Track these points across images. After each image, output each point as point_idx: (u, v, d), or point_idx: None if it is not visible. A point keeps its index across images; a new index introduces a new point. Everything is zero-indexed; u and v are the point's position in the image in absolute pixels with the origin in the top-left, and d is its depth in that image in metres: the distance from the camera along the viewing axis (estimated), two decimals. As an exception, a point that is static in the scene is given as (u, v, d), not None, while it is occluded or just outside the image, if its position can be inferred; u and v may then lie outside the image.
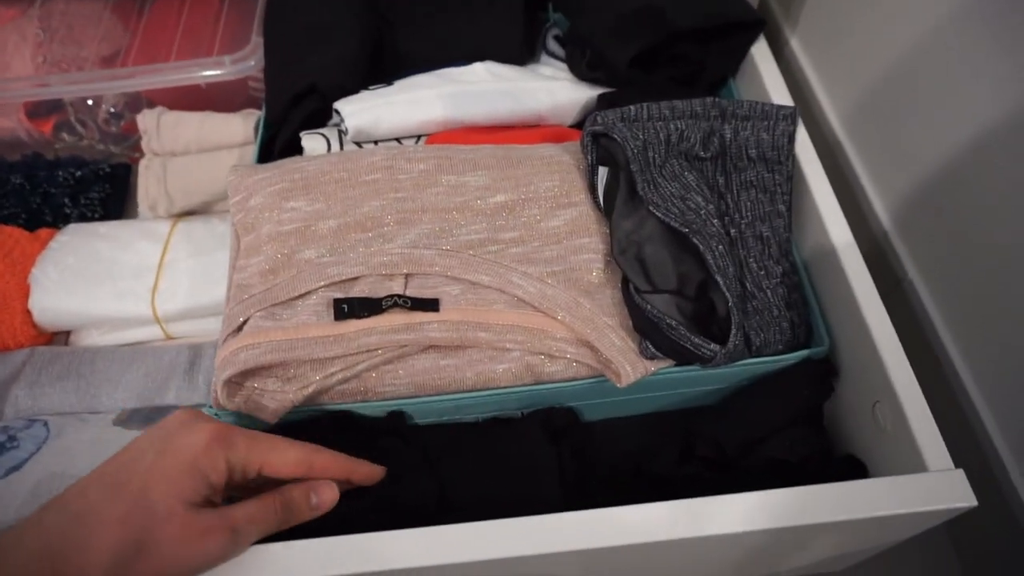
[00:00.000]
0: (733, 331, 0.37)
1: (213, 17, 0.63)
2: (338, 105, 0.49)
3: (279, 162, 0.46)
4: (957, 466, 0.33)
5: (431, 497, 0.38)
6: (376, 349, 0.38)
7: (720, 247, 0.39)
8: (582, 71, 0.52)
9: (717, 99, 0.44)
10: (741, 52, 0.53)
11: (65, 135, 0.64)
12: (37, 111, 0.63)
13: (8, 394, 0.48)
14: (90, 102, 0.62)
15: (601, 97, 0.51)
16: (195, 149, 0.58)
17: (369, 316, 0.39)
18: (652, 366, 0.38)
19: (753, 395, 0.41)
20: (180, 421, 0.32)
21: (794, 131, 0.44)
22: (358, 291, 0.40)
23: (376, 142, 0.50)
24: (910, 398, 0.35)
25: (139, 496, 0.29)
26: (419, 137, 0.51)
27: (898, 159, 0.49)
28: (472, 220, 0.42)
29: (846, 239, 0.41)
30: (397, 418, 0.40)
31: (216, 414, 0.38)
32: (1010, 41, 0.38)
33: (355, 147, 0.49)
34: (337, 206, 0.42)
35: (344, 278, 0.40)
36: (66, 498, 0.29)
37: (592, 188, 0.44)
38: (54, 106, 0.63)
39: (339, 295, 0.40)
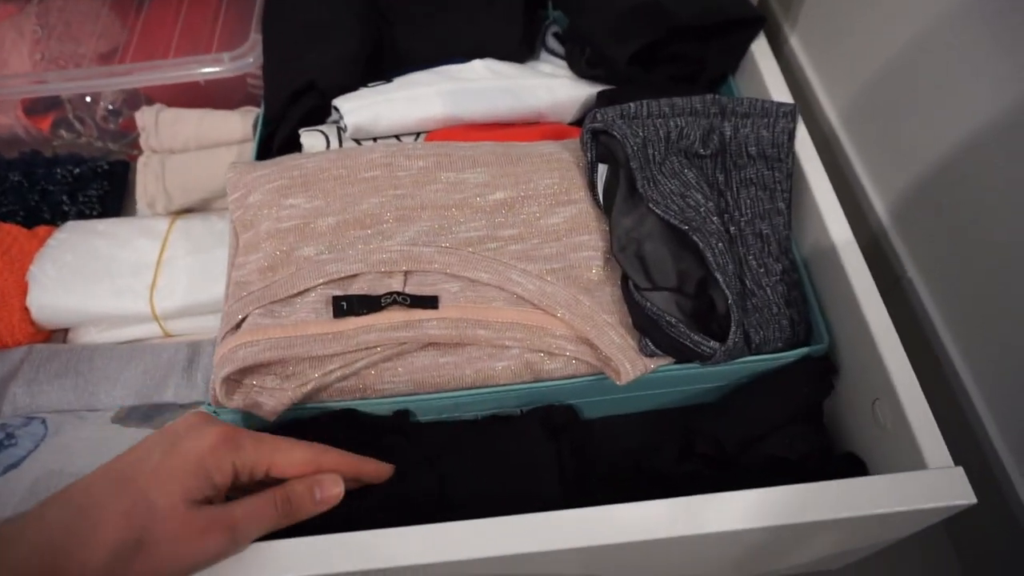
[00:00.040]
0: (733, 328, 0.37)
1: (212, 14, 0.63)
2: (337, 102, 0.49)
3: (278, 159, 0.46)
4: (956, 464, 0.33)
5: (434, 495, 0.38)
6: (375, 346, 0.38)
7: (720, 244, 0.39)
8: (582, 68, 0.52)
9: (717, 96, 0.44)
10: (741, 49, 0.53)
11: (63, 132, 0.63)
12: (35, 108, 0.63)
13: (6, 392, 0.47)
14: (88, 99, 0.62)
15: (601, 94, 0.51)
16: (194, 146, 0.58)
17: (368, 313, 0.39)
18: (652, 364, 0.38)
19: (753, 393, 0.41)
20: (189, 424, 0.32)
21: (794, 128, 0.44)
22: (357, 288, 0.40)
23: (375, 139, 0.50)
24: (910, 396, 0.35)
25: (142, 493, 0.29)
26: (418, 134, 0.50)
27: (897, 157, 0.49)
28: (471, 217, 0.42)
29: (846, 237, 0.41)
30: (401, 416, 0.40)
31: (215, 411, 0.38)
32: (1010, 40, 0.38)
33: (354, 144, 0.49)
34: (336, 203, 0.42)
35: (343, 275, 0.40)
36: (70, 493, 0.29)
37: (592, 185, 0.44)
38: (52, 103, 0.63)
39: (338, 292, 0.39)
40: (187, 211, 0.58)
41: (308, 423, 0.39)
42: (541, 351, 0.39)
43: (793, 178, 0.44)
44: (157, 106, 0.59)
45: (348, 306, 0.39)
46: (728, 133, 0.44)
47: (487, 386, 0.39)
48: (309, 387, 0.38)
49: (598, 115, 0.43)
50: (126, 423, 0.46)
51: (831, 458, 0.41)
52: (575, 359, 0.39)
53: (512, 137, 0.49)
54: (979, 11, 0.40)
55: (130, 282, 0.51)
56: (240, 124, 0.58)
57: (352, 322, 0.38)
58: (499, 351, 0.39)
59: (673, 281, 0.40)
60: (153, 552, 0.28)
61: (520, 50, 0.55)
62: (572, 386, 0.40)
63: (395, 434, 0.40)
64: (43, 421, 0.46)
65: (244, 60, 0.57)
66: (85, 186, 0.59)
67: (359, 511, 0.36)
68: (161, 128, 0.58)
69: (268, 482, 0.33)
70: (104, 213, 0.59)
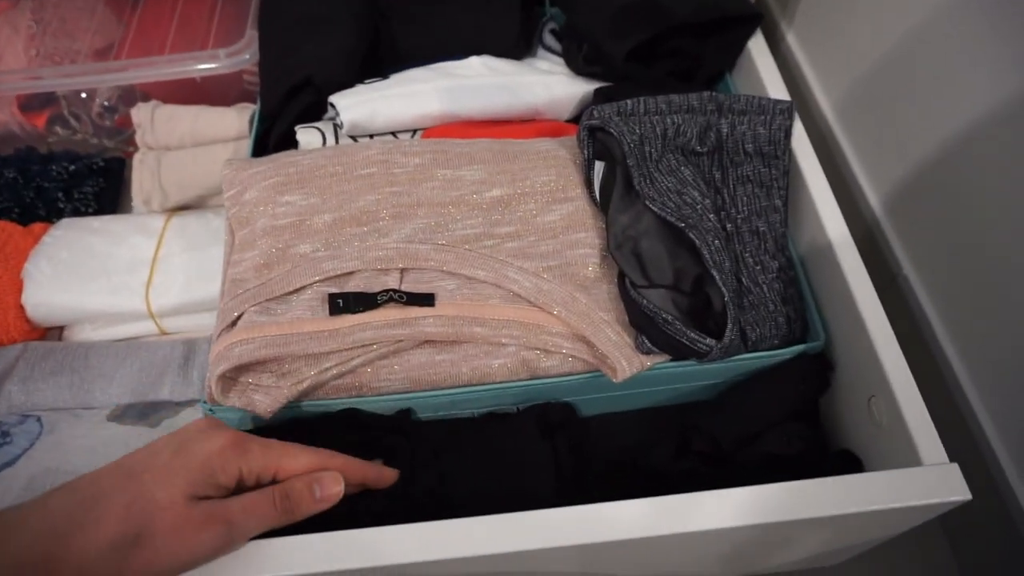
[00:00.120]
0: (729, 326, 0.37)
1: (208, 10, 0.63)
2: (333, 99, 0.49)
3: (274, 156, 0.45)
4: (952, 460, 0.33)
5: (433, 493, 0.38)
6: (371, 344, 0.38)
7: (716, 242, 0.39)
8: (579, 65, 0.52)
9: (714, 93, 0.44)
10: (738, 47, 0.53)
11: (58, 129, 0.63)
12: (30, 104, 0.63)
13: (1, 390, 0.47)
14: (83, 95, 0.62)
15: (598, 91, 0.51)
16: (189, 143, 0.58)
17: (364, 311, 0.39)
18: (648, 361, 0.38)
19: (749, 390, 0.41)
20: (199, 427, 0.32)
21: (791, 126, 0.44)
22: (353, 286, 0.40)
23: (372, 136, 0.50)
24: (905, 393, 0.35)
25: (145, 487, 0.29)
26: (415, 131, 0.50)
27: (894, 154, 0.49)
28: (468, 214, 0.42)
29: (842, 234, 0.41)
30: (402, 416, 0.40)
31: (210, 410, 0.38)
32: (1008, 32, 0.38)
33: (350, 141, 0.49)
34: (332, 200, 0.42)
35: (339, 273, 0.40)
36: (76, 483, 0.30)
37: (588, 183, 0.43)
38: (47, 99, 0.63)
39: (334, 290, 0.39)
40: (183, 208, 0.58)
41: (308, 423, 0.39)
42: (537, 349, 0.39)
43: (789, 175, 0.44)
44: (153, 103, 0.58)
45: (344, 303, 0.39)
46: (725, 130, 0.44)
47: (484, 384, 0.39)
48: (305, 385, 0.38)
49: (595, 112, 0.43)
50: (122, 421, 0.46)
51: (827, 455, 0.41)
52: (571, 357, 0.39)
53: (509, 134, 0.49)
54: (977, 3, 0.40)
55: (126, 279, 0.51)
56: (236, 121, 0.57)
57: (348, 319, 0.38)
58: (495, 349, 0.39)
59: (669, 278, 0.40)
60: (151, 545, 0.28)
61: (517, 47, 0.55)
62: (569, 383, 0.40)
63: (395, 434, 0.40)
64: (38, 419, 0.46)
65: (240, 56, 0.56)
66: (81, 183, 0.59)
67: (359, 509, 0.36)
68: (157, 125, 0.57)
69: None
70: (100, 210, 0.59)
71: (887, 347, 0.36)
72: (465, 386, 0.39)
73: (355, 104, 0.48)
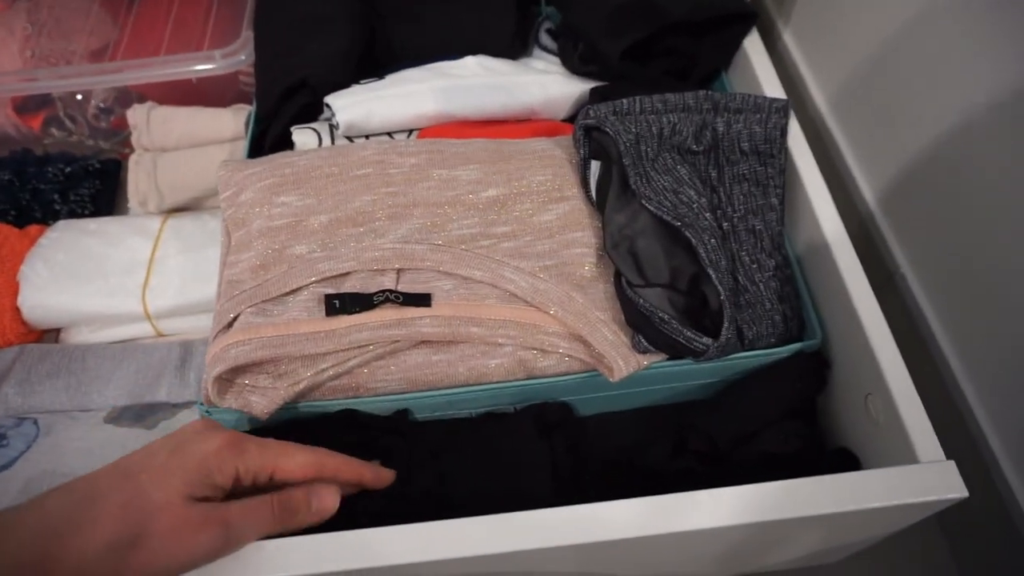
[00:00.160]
0: (725, 324, 0.37)
1: (203, 11, 0.63)
2: (329, 99, 0.49)
3: (270, 157, 0.45)
4: (949, 458, 0.33)
5: (432, 493, 0.38)
6: (367, 345, 0.38)
7: (712, 241, 0.39)
8: (575, 64, 0.52)
9: (710, 92, 0.44)
10: (733, 45, 0.53)
11: (54, 130, 0.63)
12: (26, 106, 0.63)
13: (-2, 392, 0.47)
14: (79, 97, 0.62)
15: (594, 91, 0.51)
16: (185, 144, 0.58)
17: (360, 312, 0.39)
18: (644, 360, 0.38)
19: (746, 388, 0.41)
20: (196, 428, 0.32)
21: (787, 124, 0.44)
22: (349, 286, 0.40)
23: (368, 136, 0.50)
24: (902, 391, 0.35)
25: (142, 487, 0.29)
26: (411, 131, 0.50)
27: (890, 152, 0.49)
28: (464, 215, 0.42)
29: (838, 232, 0.41)
30: (400, 416, 0.40)
31: (207, 411, 0.38)
32: (1003, 28, 0.38)
33: (346, 142, 0.49)
34: (328, 201, 0.42)
35: (335, 273, 0.40)
36: (74, 484, 0.30)
37: (584, 182, 0.43)
38: (43, 101, 0.63)
39: (330, 291, 0.39)
40: (179, 210, 0.58)
41: (305, 424, 0.39)
42: (534, 348, 0.39)
43: (785, 173, 0.44)
44: (148, 104, 0.58)
45: (340, 304, 0.38)
46: (721, 129, 0.44)
47: (480, 384, 0.39)
48: (301, 386, 0.38)
49: (591, 111, 0.43)
50: (118, 423, 0.46)
51: (824, 453, 0.41)
52: (568, 356, 0.39)
53: (505, 134, 0.49)
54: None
55: (122, 281, 0.51)
56: (232, 122, 0.57)
57: (344, 320, 0.38)
58: (492, 349, 0.39)
59: (666, 277, 0.40)
60: (148, 545, 0.28)
61: (513, 46, 0.55)
62: (565, 383, 0.40)
63: (393, 434, 0.40)
64: (35, 422, 0.46)
65: (236, 57, 0.56)
66: (76, 185, 0.59)
67: (357, 510, 0.36)
68: (153, 126, 0.57)
69: (271, 489, 0.33)
70: (96, 212, 0.59)
71: (883, 345, 0.36)
72: (462, 386, 0.39)
73: (351, 105, 0.48)
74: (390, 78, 0.50)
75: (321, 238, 0.41)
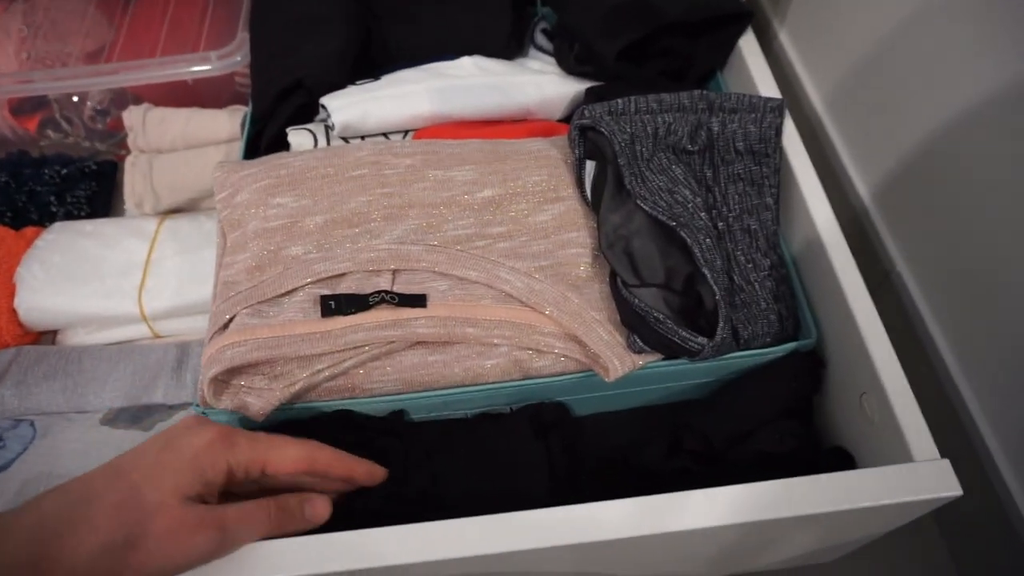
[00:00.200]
0: (720, 324, 0.37)
1: (199, 12, 0.63)
2: (324, 100, 0.49)
3: (265, 158, 0.45)
4: (946, 456, 0.33)
5: (427, 494, 0.38)
6: (363, 346, 0.38)
7: (707, 240, 0.39)
8: (570, 65, 0.52)
9: (705, 92, 0.44)
10: (729, 45, 0.53)
11: (50, 132, 0.63)
12: (22, 108, 0.63)
13: (-6, 394, 0.47)
14: (75, 99, 0.62)
15: (589, 91, 0.51)
16: (181, 146, 0.58)
17: (356, 312, 0.39)
18: (640, 360, 0.38)
19: (741, 388, 0.41)
20: (186, 424, 0.32)
21: (781, 123, 0.44)
22: (345, 287, 0.40)
23: (363, 137, 0.50)
24: (896, 389, 0.35)
25: (135, 487, 0.29)
26: (407, 132, 0.50)
27: (886, 150, 0.49)
28: (459, 215, 0.42)
29: (833, 231, 0.41)
30: (395, 417, 0.40)
31: (203, 412, 0.38)
32: (1002, 25, 0.38)
33: (342, 142, 0.49)
34: (323, 202, 0.42)
35: (331, 274, 0.40)
36: (69, 485, 0.30)
37: (580, 182, 0.43)
38: (39, 103, 0.63)
39: (326, 292, 0.39)
40: (175, 211, 0.58)
41: (301, 425, 0.39)
42: (530, 349, 0.39)
43: (780, 173, 0.44)
44: (144, 105, 0.58)
45: (336, 305, 0.38)
46: (716, 129, 0.44)
47: (476, 384, 0.39)
48: (297, 387, 0.38)
49: (586, 111, 0.43)
50: (115, 425, 0.46)
51: (820, 452, 0.41)
52: (564, 356, 0.39)
53: (500, 134, 0.49)
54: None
55: (118, 283, 0.51)
56: (228, 123, 0.57)
57: (340, 321, 0.38)
58: (488, 349, 0.39)
59: (661, 277, 0.40)
60: (143, 546, 0.28)
61: (509, 46, 0.55)
62: (561, 383, 0.40)
63: (388, 435, 0.40)
64: (31, 423, 0.46)
65: (232, 59, 0.56)
66: (73, 186, 0.59)
67: (355, 508, 0.36)
68: (148, 127, 0.57)
69: (264, 483, 0.33)
70: (92, 214, 0.59)
71: (878, 344, 0.36)
72: (458, 387, 0.39)
73: (346, 105, 0.48)
74: (386, 79, 0.50)
75: (317, 239, 0.41)
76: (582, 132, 0.43)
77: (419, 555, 0.30)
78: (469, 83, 0.50)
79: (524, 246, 0.41)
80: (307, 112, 0.51)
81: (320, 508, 0.34)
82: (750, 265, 0.42)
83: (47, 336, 0.54)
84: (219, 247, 0.43)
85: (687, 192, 0.41)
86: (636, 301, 0.38)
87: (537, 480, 0.39)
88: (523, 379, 0.39)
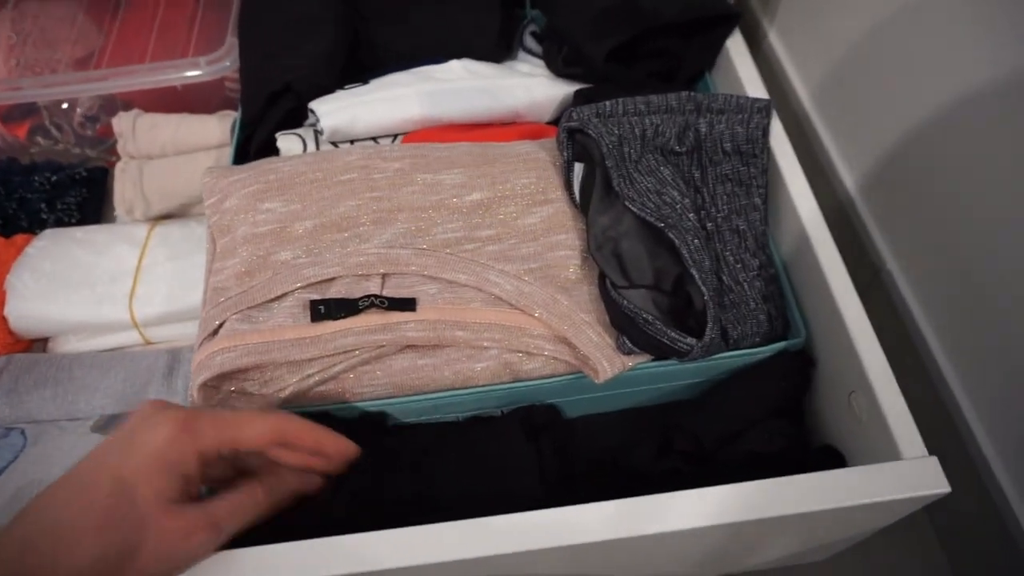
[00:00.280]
0: (709, 324, 0.37)
1: (188, 18, 0.63)
2: (313, 105, 0.49)
3: (254, 163, 0.45)
4: (939, 454, 0.33)
5: (420, 497, 0.38)
6: (353, 350, 0.38)
7: (696, 241, 0.39)
8: (558, 67, 0.52)
9: (692, 93, 0.44)
10: (717, 46, 0.53)
11: (40, 139, 0.63)
12: (11, 115, 0.63)
13: (-15, 402, 0.47)
14: (65, 105, 0.62)
15: (578, 93, 0.51)
16: (171, 151, 0.58)
17: (346, 317, 0.39)
18: (629, 361, 0.38)
19: (730, 388, 0.41)
20: (142, 417, 0.31)
21: (768, 124, 0.45)
22: (335, 292, 0.40)
23: (352, 142, 0.50)
24: (884, 388, 0.35)
25: (113, 501, 0.28)
26: (396, 136, 0.50)
27: (876, 150, 0.49)
28: (448, 218, 0.42)
29: (821, 231, 0.41)
30: (387, 421, 0.40)
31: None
32: (987, 22, 0.38)
33: (331, 147, 0.49)
34: (313, 207, 0.42)
35: (320, 279, 0.40)
36: (38, 508, 0.28)
37: (568, 185, 0.44)
38: (28, 110, 0.62)
39: (315, 296, 0.39)
40: (166, 217, 0.58)
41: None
42: (519, 351, 0.39)
43: (768, 173, 0.45)
44: (134, 111, 0.58)
45: (326, 310, 0.38)
46: (703, 130, 0.44)
47: (466, 387, 0.39)
48: (287, 392, 0.38)
49: (574, 114, 0.43)
50: (106, 431, 0.46)
51: (809, 451, 0.41)
52: (553, 358, 0.39)
53: (489, 137, 0.49)
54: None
55: (109, 290, 0.51)
56: (218, 128, 0.57)
57: (330, 326, 0.38)
58: (478, 352, 0.39)
59: (650, 278, 0.40)
60: (138, 559, 0.28)
61: (498, 47, 0.55)
62: (551, 385, 0.40)
63: (380, 438, 0.40)
64: (22, 432, 0.46)
65: (221, 64, 0.56)
66: (63, 193, 0.59)
67: (344, 514, 0.36)
68: (138, 133, 0.57)
69: (238, 461, 0.34)
70: (83, 220, 0.59)
71: (866, 342, 0.37)
72: (448, 390, 0.39)
73: (335, 110, 0.48)
74: (374, 83, 0.50)
75: (306, 244, 0.41)
76: (570, 134, 0.43)
77: (407, 559, 0.30)
78: (458, 86, 0.50)
79: (513, 249, 0.42)
80: (296, 117, 0.51)
81: (306, 477, 0.34)
82: (739, 265, 0.42)
83: (38, 344, 0.54)
84: (208, 253, 0.43)
85: (675, 193, 0.41)
86: (625, 302, 0.38)
87: (529, 482, 0.39)
88: (513, 381, 0.39)
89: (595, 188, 0.42)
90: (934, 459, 0.33)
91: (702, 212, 0.43)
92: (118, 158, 0.59)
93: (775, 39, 0.60)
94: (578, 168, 0.44)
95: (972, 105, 0.40)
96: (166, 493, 0.29)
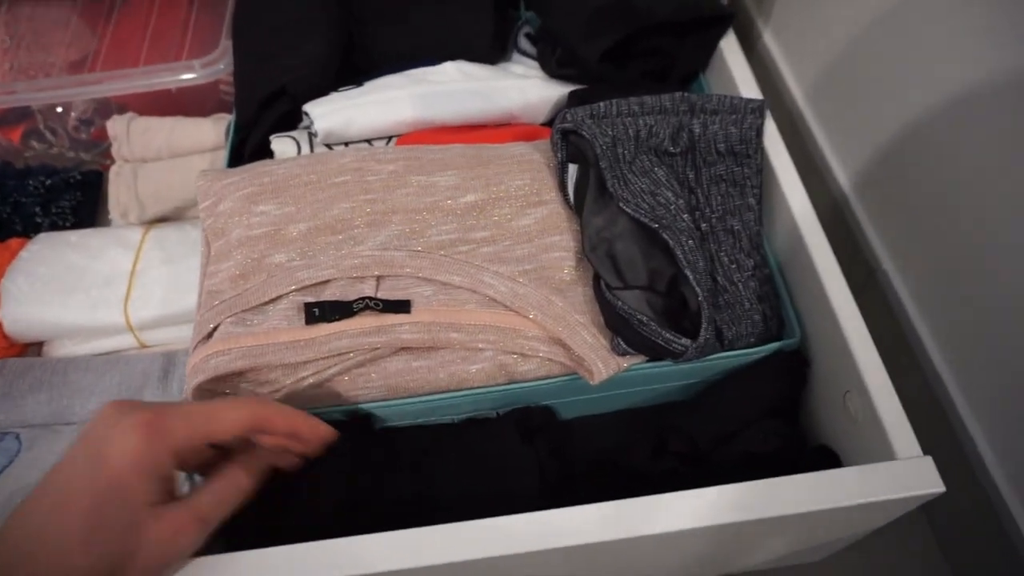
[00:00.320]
0: (704, 325, 0.37)
1: (182, 21, 0.63)
2: (307, 107, 0.49)
3: (248, 166, 0.45)
4: (934, 454, 0.33)
5: (418, 499, 0.38)
6: (347, 352, 0.38)
7: (690, 242, 0.39)
8: (552, 68, 0.52)
9: (686, 94, 0.44)
10: (711, 46, 0.53)
11: (34, 143, 0.63)
12: (5, 119, 0.63)
13: (-21, 407, 0.47)
14: (59, 109, 0.62)
15: (572, 94, 0.51)
16: (166, 155, 0.58)
17: (340, 319, 0.38)
18: (624, 362, 0.38)
19: (725, 388, 0.41)
20: (106, 423, 0.29)
21: (762, 124, 0.45)
22: (329, 294, 0.39)
23: (347, 144, 0.50)
24: (879, 387, 0.35)
25: (92, 517, 0.27)
26: (390, 138, 0.50)
27: (871, 150, 0.49)
28: (443, 220, 0.42)
29: (815, 231, 0.41)
30: (382, 423, 0.40)
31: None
32: (980, 20, 0.38)
33: (325, 150, 0.49)
34: (307, 209, 0.42)
35: (315, 282, 0.40)
36: (14, 531, 0.27)
37: (563, 186, 0.44)
38: (22, 114, 0.62)
39: (310, 299, 0.39)
40: (161, 220, 0.58)
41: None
42: (514, 353, 0.39)
43: (762, 173, 0.45)
44: (128, 115, 0.58)
45: (320, 312, 0.38)
46: (697, 130, 0.44)
47: (461, 389, 0.39)
48: (281, 395, 0.38)
49: (568, 115, 0.43)
50: (101, 435, 0.46)
51: (804, 451, 0.41)
52: (548, 360, 0.39)
53: (484, 139, 0.49)
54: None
55: (104, 293, 0.51)
56: (212, 131, 0.57)
57: (324, 328, 0.38)
58: (472, 354, 0.39)
59: (644, 279, 0.40)
60: (130, 567, 0.28)
61: (492, 50, 0.55)
62: (546, 387, 0.40)
63: (375, 439, 0.40)
64: (17, 436, 0.46)
65: (215, 67, 0.56)
66: (57, 197, 0.59)
67: (340, 517, 0.36)
68: (133, 137, 0.57)
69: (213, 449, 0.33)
70: (77, 224, 0.59)
71: (861, 342, 0.37)
72: (443, 392, 0.39)
73: (329, 112, 0.48)
74: (368, 85, 0.50)
75: (300, 246, 0.41)
76: (564, 136, 0.43)
77: (404, 562, 0.30)
78: (452, 88, 0.50)
79: (507, 250, 0.41)
80: (291, 119, 0.51)
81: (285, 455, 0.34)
82: (733, 266, 0.42)
83: (33, 348, 0.54)
84: (203, 256, 0.43)
85: (669, 194, 0.41)
86: (620, 303, 0.38)
87: (526, 484, 0.39)
88: (508, 383, 0.39)
89: (589, 189, 0.42)
90: (929, 459, 0.33)
91: (696, 213, 0.43)
92: (112, 162, 0.58)
93: (769, 39, 0.60)
94: (572, 169, 0.44)
95: (967, 104, 0.40)
96: (145, 499, 0.28)
